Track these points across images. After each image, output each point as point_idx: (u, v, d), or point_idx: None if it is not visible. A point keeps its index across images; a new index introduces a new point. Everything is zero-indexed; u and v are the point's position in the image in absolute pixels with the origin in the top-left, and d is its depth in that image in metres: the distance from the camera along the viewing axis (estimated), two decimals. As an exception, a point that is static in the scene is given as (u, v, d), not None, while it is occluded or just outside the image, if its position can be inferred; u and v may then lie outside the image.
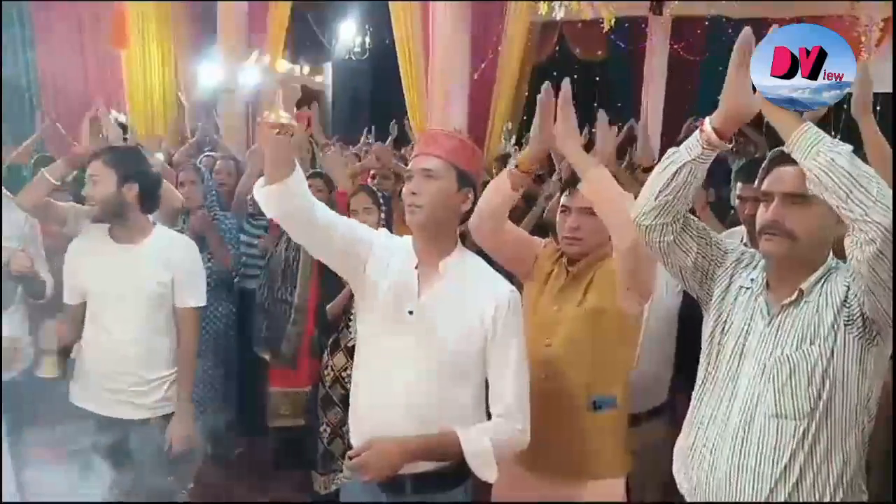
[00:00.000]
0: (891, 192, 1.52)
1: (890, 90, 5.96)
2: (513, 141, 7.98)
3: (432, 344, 1.96)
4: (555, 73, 10.05)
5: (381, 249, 2.04)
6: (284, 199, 1.85)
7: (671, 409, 2.92)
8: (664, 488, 2.09)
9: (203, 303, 2.82)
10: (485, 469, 1.93)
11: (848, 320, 1.67)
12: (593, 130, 3.20)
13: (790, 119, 1.61)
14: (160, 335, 2.73)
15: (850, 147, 1.55)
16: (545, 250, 2.46)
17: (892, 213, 1.48)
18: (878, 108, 2.45)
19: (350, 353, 3.11)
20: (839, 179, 1.51)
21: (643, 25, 9.93)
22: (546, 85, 2.21)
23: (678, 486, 1.91)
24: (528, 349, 2.32)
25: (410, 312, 1.98)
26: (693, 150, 1.73)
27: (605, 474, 2.32)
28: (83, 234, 2.81)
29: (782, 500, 1.68)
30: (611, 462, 2.33)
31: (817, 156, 1.54)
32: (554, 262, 2.41)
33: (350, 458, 1.93)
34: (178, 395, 2.75)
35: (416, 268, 2.01)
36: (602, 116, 2.88)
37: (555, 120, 2.17)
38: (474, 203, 2.04)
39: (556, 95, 2.17)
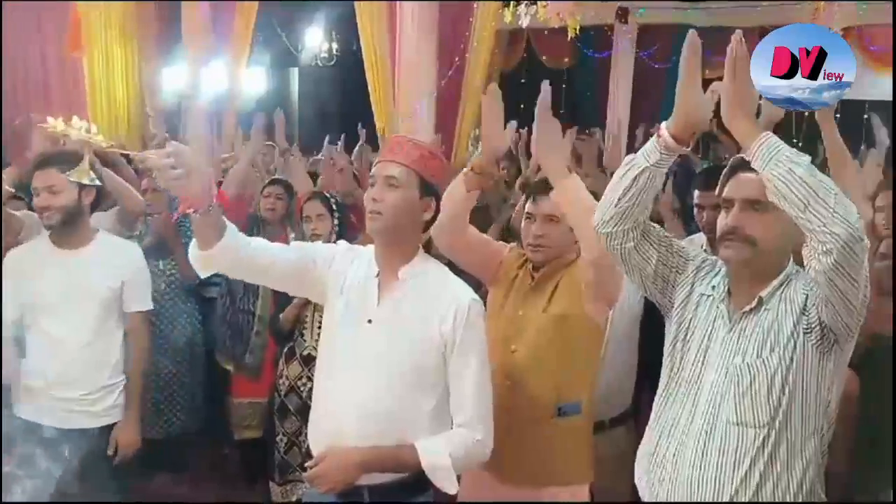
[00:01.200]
0: (850, 203, 1.53)
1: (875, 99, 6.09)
2: (480, 147, 7.99)
3: (391, 352, 1.93)
4: (522, 80, 10.16)
5: (340, 263, 2.04)
6: (216, 262, 1.91)
7: (635, 417, 2.92)
8: (628, 496, 2.09)
9: (150, 307, 2.85)
10: (445, 482, 1.91)
11: (807, 328, 1.67)
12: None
13: (749, 128, 1.61)
14: (110, 340, 2.70)
15: (809, 158, 1.55)
16: (510, 255, 2.46)
17: (849, 224, 1.49)
18: (837, 114, 2.47)
19: (305, 361, 3.09)
20: (797, 190, 1.52)
21: (609, 33, 10.03)
22: (492, 86, 2.21)
23: (640, 494, 1.91)
24: (493, 355, 2.31)
25: (370, 321, 1.96)
26: (651, 156, 1.72)
27: (569, 481, 2.33)
28: (22, 245, 2.76)
29: None
30: (576, 468, 2.33)
31: (777, 166, 1.55)
32: (519, 266, 2.41)
33: (307, 469, 1.91)
34: (127, 401, 2.73)
35: (377, 276, 1.99)
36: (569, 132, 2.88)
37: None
38: (436, 212, 2.02)
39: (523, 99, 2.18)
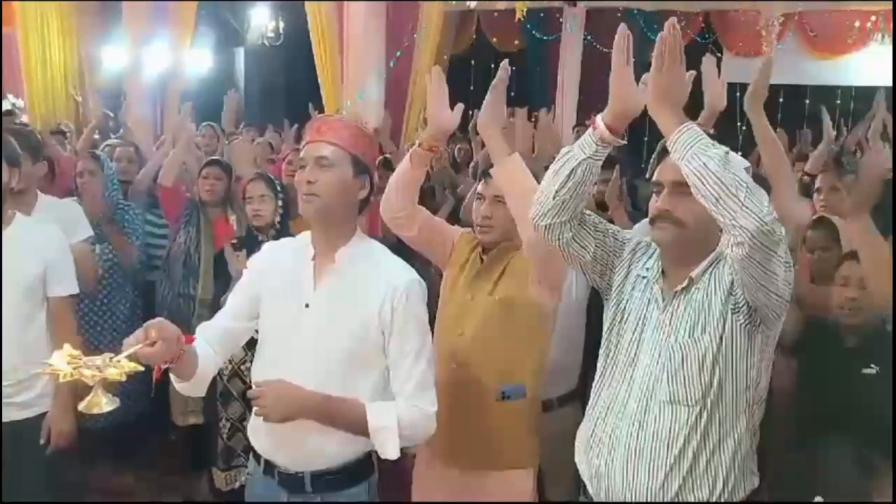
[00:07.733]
0: (762, 196, 1.54)
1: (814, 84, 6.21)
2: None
3: (330, 336, 1.91)
4: (472, 62, 10.13)
5: (267, 266, 2.05)
6: (202, 383, 1.95)
7: (582, 396, 2.95)
8: (575, 476, 2.10)
9: (76, 291, 2.73)
10: (387, 445, 1.88)
11: (734, 308, 1.70)
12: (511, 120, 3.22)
13: (671, 118, 1.62)
14: (34, 328, 2.60)
15: (724, 150, 1.56)
16: (462, 238, 2.47)
17: (758, 218, 1.51)
18: (780, 100, 2.52)
19: (248, 345, 3.00)
20: (709, 184, 1.53)
21: (558, 16, 10.04)
22: (435, 68, 2.24)
23: (581, 474, 1.93)
24: (442, 338, 2.32)
25: (307, 305, 1.94)
26: (587, 148, 1.74)
27: (514, 465, 2.34)
28: None
29: (677, 484, 1.72)
30: (520, 453, 2.34)
31: (692, 159, 1.56)
32: (471, 250, 2.42)
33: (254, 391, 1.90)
34: (57, 389, 2.61)
35: (313, 259, 1.96)
36: (521, 112, 2.89)
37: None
38: (370, 191, 1.98)
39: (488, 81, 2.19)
